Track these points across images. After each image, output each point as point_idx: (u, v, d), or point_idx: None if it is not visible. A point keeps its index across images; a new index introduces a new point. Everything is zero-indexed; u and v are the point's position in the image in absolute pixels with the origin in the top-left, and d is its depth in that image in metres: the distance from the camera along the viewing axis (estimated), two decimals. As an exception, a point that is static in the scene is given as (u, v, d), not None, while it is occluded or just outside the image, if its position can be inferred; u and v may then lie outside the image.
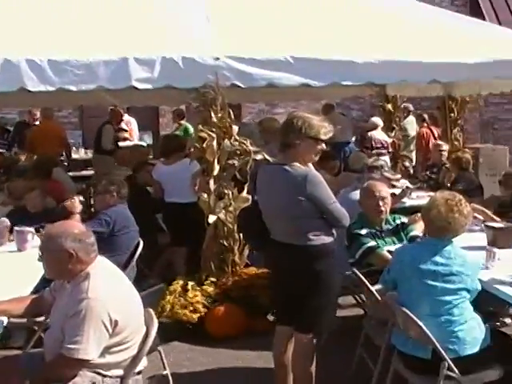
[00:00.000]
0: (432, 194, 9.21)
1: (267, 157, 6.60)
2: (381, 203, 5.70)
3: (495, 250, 5.36)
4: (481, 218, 6.82)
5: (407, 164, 12.53)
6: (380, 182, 6.76)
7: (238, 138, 6.78)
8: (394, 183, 9.77)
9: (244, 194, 6.69)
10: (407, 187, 9.05)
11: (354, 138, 14.30)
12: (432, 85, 10.08)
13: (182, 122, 14.71)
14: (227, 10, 7.24)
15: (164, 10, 7.07)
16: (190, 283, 6.68)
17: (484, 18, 17.88)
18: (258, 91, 10.62)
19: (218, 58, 6.51)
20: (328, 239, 4.72)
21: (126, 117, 14.66)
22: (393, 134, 12.81)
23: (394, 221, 5.88)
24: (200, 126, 6.70)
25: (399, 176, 7.68)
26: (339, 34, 7.21)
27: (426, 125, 13.58)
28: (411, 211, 8.03)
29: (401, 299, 4.56)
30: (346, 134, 13.78)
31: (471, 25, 8.36)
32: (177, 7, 7.14)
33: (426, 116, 13.72)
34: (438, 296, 4.38)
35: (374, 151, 12.56)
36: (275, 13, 7.40)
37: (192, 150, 6.97)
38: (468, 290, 4.44)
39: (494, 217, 6.76)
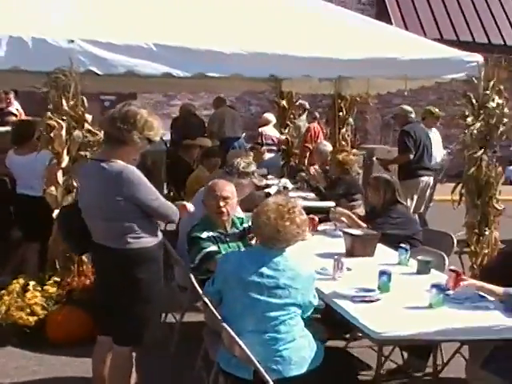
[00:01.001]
0: (309, 194, 9.09)
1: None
2: (222, 203, 5.26)
3: (343, 259, 5.05)
4: (345, 222, 6.56)
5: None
6: (246, 185, 6.41)
7: (91, 128, 6.30)
8: (270, 182, 9.51)
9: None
10: (284, 187, 8.77)
11: (244, 134, 13.91)
12: (323, 83, 9.88)
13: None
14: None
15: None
16: (31, 283, 6.17)
17: (390, 21, 17.83)
18: (152, 82, 10.22)
19: (72, 41, 6.02)
20: (150, 242, 4.35)
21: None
22: (286, 131, 12.53)
23: (241, 224, 5.47)
24: (49, 114, 6.19)
25: (264, 183, 7.33)
26: (211, 24, 6.83)
27: (316, 122, 13.32)
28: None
29: (224, 312, 4.18)
30: (236, 130, 13.42)
31: (358, 22, 8.06)
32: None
33: (317, 114, 13.44)
34: (263, 311, 4.01)
35: (264, 147, 12.31)
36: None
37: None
38: (299, 306, 4.09)
39: (360, 222, 6.47)
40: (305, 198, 8.78)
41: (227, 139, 12.81)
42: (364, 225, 6.39)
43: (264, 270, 4.04)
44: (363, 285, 4.66)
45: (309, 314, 4.23)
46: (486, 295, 4.53)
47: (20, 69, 6.08)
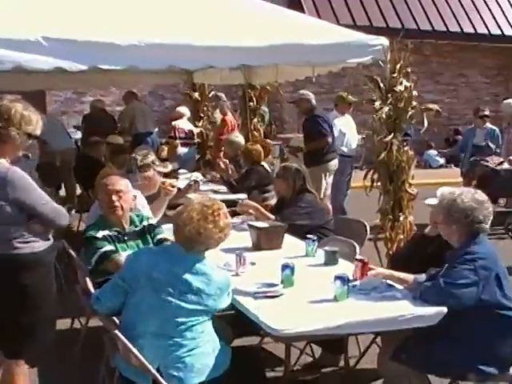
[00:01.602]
0: (221, 187, 8.87)
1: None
2: (114, 198, 4.95)
3: (245, 254, 4.85)
4: (254, 215, 6.38)
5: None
6: (152, 177, 6.17)
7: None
8: (182, 176, 9.27)
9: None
10: (195, 181, 8.52)
11: (157, 129, 13.64)
12: (233, 73, 9.71)
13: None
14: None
15: None
16: None
17: (302, 8, 17.73)
18: (61, 78, 9.90)
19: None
20: (39, 247, 4.10)
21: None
22: (200, 124, 12.30)
23: (141, 222, 5.20)
24: None
25: (170, 167, 7.09)
26: (105, 15, 6.47)
27: (230, 114, 13.14)
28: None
29: (128, 313, 3.93)
30: (148, 125, 13.14)
31: (260, 9, 7.83)
32: None
33: (228, 105, 13.24)
34: (170, 314, 3.79)
35: (177, 141, 12.06)
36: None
37: None
38: (208, 312, 3.89)
39: (268, 214, 6.28)
40: (216, 192, 8.58)
41: (139, 135, 12.54)
42: (272, 217, 6.21)
43: (178, 271, 3.83)
44: (267, 279, 4.46)
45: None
46: (394, 284, 4.38)
47: None
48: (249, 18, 7.27)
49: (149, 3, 6.86)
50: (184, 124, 12.58)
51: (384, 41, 7.18)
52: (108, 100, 16.23)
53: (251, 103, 10.36)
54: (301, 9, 17.20)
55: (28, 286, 4.03)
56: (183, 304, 3.79)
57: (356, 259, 4.59)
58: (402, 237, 7.16)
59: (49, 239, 4.19)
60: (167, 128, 13.69)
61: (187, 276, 3.82)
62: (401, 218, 7.19)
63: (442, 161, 20.40)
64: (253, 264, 4.93)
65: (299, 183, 6.51)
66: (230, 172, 9.06)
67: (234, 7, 7.50)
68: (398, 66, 7.13)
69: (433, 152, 20.55)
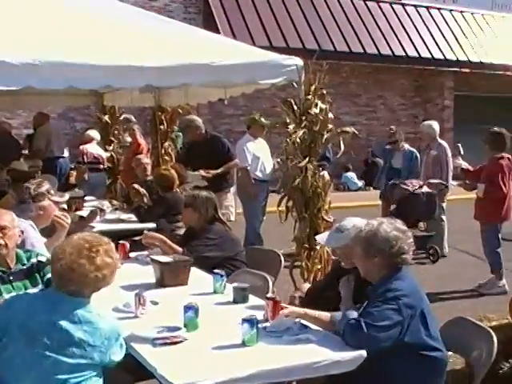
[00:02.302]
0: (131, 216, 8.42)
1: None
2: None
3: (145, 293, 4.43)
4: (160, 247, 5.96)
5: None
6: (48, 207, 5.72)
7: None
8: (89, 204, 8.82)
9: None
10: (100, 209, 8.06)
11: (67, 152, 13.11)
12: (144, 95, 9.37)
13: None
14: None
15: None
16: None
17: (217, 29, 17.46)
18: None
19: None
20: None
21: None
22: (111, 148, 11.83)
23: (28, 259, 4.70)
24: None
25: (67, 197, 6.61)
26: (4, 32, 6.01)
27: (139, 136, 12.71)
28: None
29: (2, 369, 3.42)
30: (62, 148, 12.61)
31: (166, 27, 7.46)
32: None
33: (136, 127, 12.78)
34: (48, 371, 3.31)
35: (85, 166, 11.60)
36: None
37: None
38: (95, 366, 3.44)
39: (175, 246, 5.88)
40: (123, 220, 8.13)
41: (52, 159, 12.00)
42: (180, 249, 5.80)
43: (56, 319, 3.36)
44: (170, 322, 4.05)
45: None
46: (309, 324, 4.03)
47: None
48: (158, 37, 6.88)
49: (47, 19, 6.38)
50: (93, 148, 12.15)
51: (298, 61, 6.88)
52: (15, 123, 15.60)
53: (162, 126, 9.95)
54: (216, 30, 16.95)
55: None
56: (63, 358, 3.33)
57: (267, 297, 4.23)
58: (319, 267, 6.86)
59: None
60: (77, 152, 13.21)
61: (66, 325, 3.36)
62: (317, 247, 6.89)
63: (360, 183, 20.37)
64: (155, 304, 4.52)
65: (211, 213, 6.15)
66: (145, 199, 8.59)
67: (144, 26, 7.12)
68: (313, 88, 6.87)
69: (351, 174, 20.51)
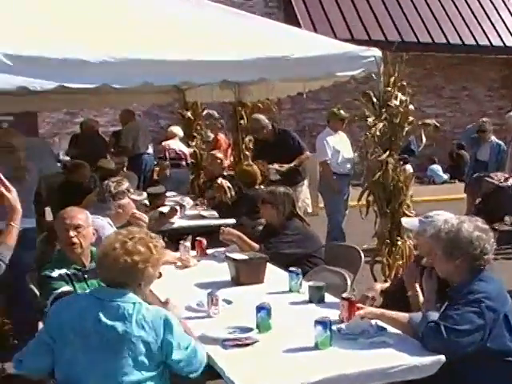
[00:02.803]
0: (212, 212, 8.28)
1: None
2: (72, 233, 4.39)
3: (218, 292, 4.27)
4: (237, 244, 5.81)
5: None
6: (127, 205, 5.66)
7: None
8: (170, 199, 8.76)
9: None
10: (180, 205, 7.99)
11: (151, 149, 13.10)
12: (224, 90, 9.21)
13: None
14: None
15: None
16: None
17: (299, 23, 17.23)
18: (52, 99, 9.42)
19: None
20: None
21: None
22: (193, 144, 11.72)
23: (103, 258, 4.62)
24: None
25: (145, 195, 6.51)
26: (73, 30, 5.93)
27: (222, 132, 12.61)
28: (182, 233, 7.07)
29: (60, 373, 3.33)
30: (147, 145, 12.63)
31: (243, 22, 7.28)
32: None
33: (223, 122, 12.71)
34: (109, 371, 3.18)
35: (167, 162, 11.53)
36: None
37: None
38: (160, 364, 3.28)
39: (252, 243, 5.72)
40: (203, 217, 8.00)
41: (139, 155, 12.02)
42: (257, 246, 5.64)
43: (103, 316, 3.22)
44: (242, 322, 3.89)
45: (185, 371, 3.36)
46: (386, 326, 3.79)
47: None
48: (233, 31, 6.73)
49: (121, 16, 6.30)
50: (175, 144, 12.07)
51: (376, 52, 6.61)
52: (102, 121, 15.73)
53: (242, 121, 9.80)
54: (297, 23, 16.72)
55: None
56: (119, 356, 3.19)
57: (342, 298, 4.01)
58: (400, 263, 6.59)
59: None
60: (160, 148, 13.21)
61: (113, 321, 3.21)
62: (399, 243, 6.62)
63: (446, 176, 19.81)
64: (229, 302, 4.37)
65: (288, 209, 5.96)
66: (228, 193, 8.46)
67: (220, 21, 6.98)
68: (393, 79, 6.59)
69: (436, 167, 19.96)
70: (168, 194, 9.44)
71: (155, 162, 12.60)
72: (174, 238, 7.28)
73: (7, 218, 3.62)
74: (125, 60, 5.71)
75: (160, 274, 4.43)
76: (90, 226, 4.54)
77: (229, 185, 8.48)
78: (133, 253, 3.30)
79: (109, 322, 3.20)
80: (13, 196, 3.61)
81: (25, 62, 5.43)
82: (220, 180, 8.67)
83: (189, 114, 11.63)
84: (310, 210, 10.04)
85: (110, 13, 6.32)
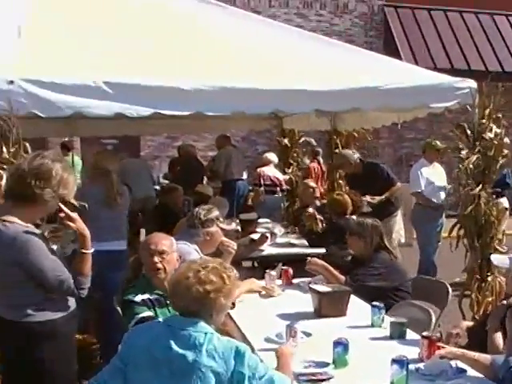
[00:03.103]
0: (302, 241, 8.19)
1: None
2: (157, 259, 4.43)
3: (299, 323, 4.21)
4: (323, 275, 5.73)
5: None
6: (215, 233, 5.64)
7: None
8: (261, 226, 8.74)
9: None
10: (271, 232, 7.96)
11: (246, 175, 13.13)
12: (321, 119, 9.20)
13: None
14: (37, 24, 6.05)
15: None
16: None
17: (398, 52, 17.03)
18: (154, 124, 9.71)
19: (11, 82, 5.30)
20: (55, 315, 3.62)
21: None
22: (289, 171, 11.70)
23: (186, 284, 4.62)
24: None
25: (234, 225, 6.43)
26: (169, 58, 6.04)
27: (316, 160, 12.55)
28: (271, 260, 7.05)
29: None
30: (241, 171, 12.65)
31: (339, 51, 7.25)
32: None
33: (319, 150, 12.64)
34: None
35: (261, 188, 11.54)
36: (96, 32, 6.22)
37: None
38: None
39: (338, 274, 5.63)
40: (293, 245, 7.95)
41: (232, 181, 12.07)
42: (342, 278, 5.55)
43: (173, 345, 3.18)
44: (320, 355, 3.81)
45: None
46: (467, 368, 3.64)
47: None
48: (326, 60, 6.70)
49: (214, 45, 6.36)
50: (270, 171, 12.06)
51: (471, 83, 6.44)
52: (201, 145, 15.95)
53: (337, 150, 9.73)
54: (397, 53, 16.54)
55: (40, 359, 3.56)
56: None
57: (422, 336, 3.88)
58: (490, 299, 6.35)
59: (68, 306, 3.69)
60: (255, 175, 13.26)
61: (184, 350, 3.16)
62: (489, 278, 6.39)
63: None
64: (308, 335, 4.29)
65: (376, 241, 5.84)
66: (319, 223, 8.37)
67: (312, 50, 6.96)
68: (488, 111, 6.40)
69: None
70: (260, 220, 9.45)
71: (250, 188, 12.64)
72: (263, 265, 7.27)
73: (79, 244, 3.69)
74: (218, 88, 5.75)
75: (233, 305, 4.41)
76: (174, 251, 4.57)
77: (320, 217, 8.38)
78: (205, 282, 3.25)
79: (180, 351, 3.16)
80: (78, 225, 3.69)
81: (122, 90, 5.56)
82: (311, 209, 8.60)
83: (286, 140, 11.63)
84: (403, 240, 9.87)
85: (205, 41, 6.39)
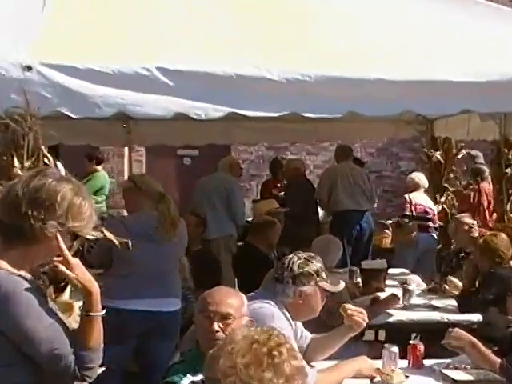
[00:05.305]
0: (440, 302, 8.07)
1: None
2: (216, 325, 4.40)
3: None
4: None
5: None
6: (310, 295, 5.60)
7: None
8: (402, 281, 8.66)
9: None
10: (405, 289, 7.90)
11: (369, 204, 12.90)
12: (485, 123, 9.05)
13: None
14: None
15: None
16: None
17: None
18: (251, 129, 9.97)
19: (29, 68, 5.44)
20: None
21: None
22: (442, 199, 11.48)
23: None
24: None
25: (342, 286, 6.28)
26: (246, 38, 6.11)
27: (477, 182, 12.38)
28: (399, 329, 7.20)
29: None
30: (359, 198, 12.51)
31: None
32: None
33: (485, 168, 12.45)
34: None
35: (412, 222, 11.43)
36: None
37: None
38: None
39: (491, 356, 5.46)
40: (435, 308, 7.84)
41: (344, 212, 12.04)
42: (497, 360, 5.41)
43: None
44: None
45: None
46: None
47: None
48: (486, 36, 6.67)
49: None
50: (422, 199, 11.96)
51: None
52: (318, 159, 16.03)
53: (509, 169, 9.54)
54: None
55: None
56: None
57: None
58: None
59: None
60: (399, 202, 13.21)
61: None
62: None
63: None
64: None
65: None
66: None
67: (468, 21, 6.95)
68: None
69: None
70: (393, 270, 9.43)
71: (383, 222, 12.60)
72: (389, 336, 7.25)
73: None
74: (326, 79, 5.78)
75: None
76: (244, 315, 4.56)
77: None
78: (293, 377, 3.10)
79: None
80: (80, 276, 3.61)
81: (185, 80, 5.62)
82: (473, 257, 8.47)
83: (437, 154, 11.45)
84: None
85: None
